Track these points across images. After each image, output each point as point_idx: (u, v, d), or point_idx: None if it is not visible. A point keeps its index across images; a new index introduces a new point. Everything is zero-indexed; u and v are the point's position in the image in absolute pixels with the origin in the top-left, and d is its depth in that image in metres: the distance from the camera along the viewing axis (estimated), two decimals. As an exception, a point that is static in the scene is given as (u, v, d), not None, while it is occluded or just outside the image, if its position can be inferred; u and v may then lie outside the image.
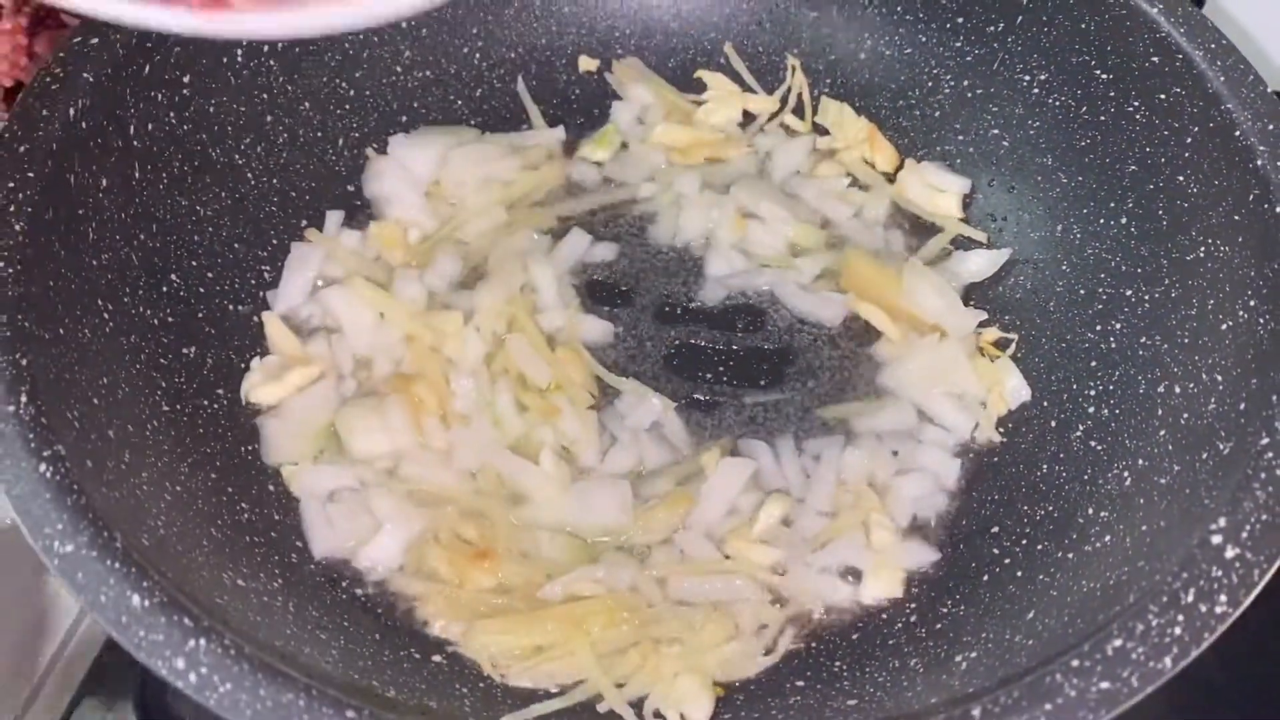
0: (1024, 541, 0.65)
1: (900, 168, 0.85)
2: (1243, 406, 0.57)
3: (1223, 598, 0.48)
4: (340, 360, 0.73)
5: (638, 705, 0.59)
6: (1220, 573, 0.49)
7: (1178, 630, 0.48)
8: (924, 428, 0.73)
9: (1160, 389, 0.65)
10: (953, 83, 0.83)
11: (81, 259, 0.61)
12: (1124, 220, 0.73)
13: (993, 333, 0.77)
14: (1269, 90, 0.66)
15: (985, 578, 0.64)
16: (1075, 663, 0.47)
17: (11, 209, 0.57)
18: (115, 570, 0.47)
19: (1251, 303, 0.61)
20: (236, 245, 0.74)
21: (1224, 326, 0.63)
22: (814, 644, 0.64)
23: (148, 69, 0.67)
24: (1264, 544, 0.50)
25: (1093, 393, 0.70)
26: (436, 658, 0.61)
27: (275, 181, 0.77)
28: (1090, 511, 0.63)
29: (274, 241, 0.77)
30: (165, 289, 0.68)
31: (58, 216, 0.60)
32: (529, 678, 0.60)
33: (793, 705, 0.59)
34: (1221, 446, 0.57)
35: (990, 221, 0.82)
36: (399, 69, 0.84)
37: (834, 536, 0.67)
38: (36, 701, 0.69)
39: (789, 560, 0.66)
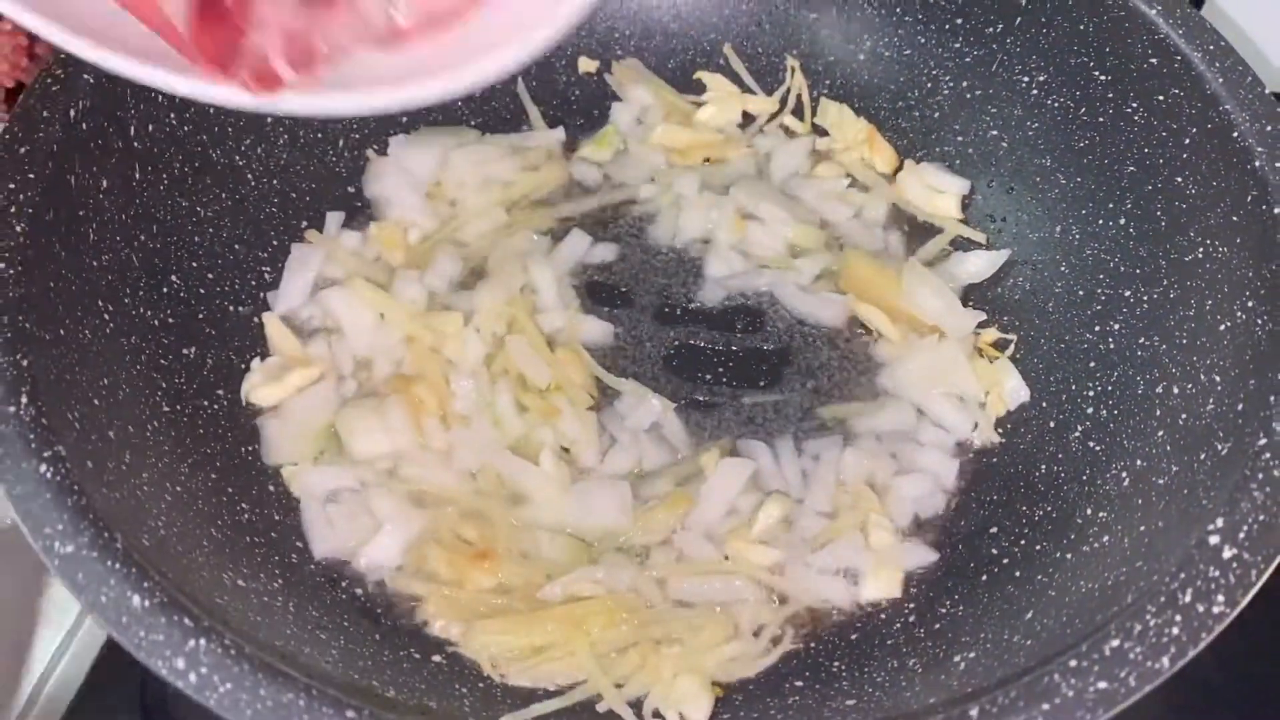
0: (1022, 542, 0.65)
1: (899, 169, 0.85)
2: (1240, 407, 0.57)
3: (1220, 598, 0.48)
4: (340, 361, 0.73)
5: (637, 705, 0.59)
6: (1218, 573, 0.49)
7: (1175, 630, 0.48)
8: (923, 428, 0.73)
9: (1158, 390, 0.65)
10: (952, 84, 0.84)
11: (82, 260, 0.61)
12: (1122, 221, 0.73)
13: (992, 333, 0.77)
14: (1267, 91, 0.66)
15: (984, 578, 0.64)
16: (1073, 663, 0.47)
17: (12, 210, 0.57)
18: (115, 571, 0.47)
19: (1250, 303, 0.61)
20: (237, 246, 0.74)
21: (1222, 327, 0.63)
22: (813, 644, 0.64)
23: (148, 70, 0.67)
24: (1261, 544, 0.50)
25: (1091, 393, 0.70)
26: (436, 658, 0.61)
27: (275, 182, 0.77)
28: (1088, 512, 0.63)
29: (274, 242, 0.77)
30: (166, 290, 0.68)
31: (58, 217, 0.60)
32: (528, 678, 0.61)
33: (791, 705, 0.59)
34: (1219, 447, 0.57)
35: (989, 222, 0.82)
36: (399, 70, 0.84)
37: (833, 537, 0.67)
38: (36, 703, 0.69)
39: (788, 561, 0.66)
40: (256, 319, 0.74)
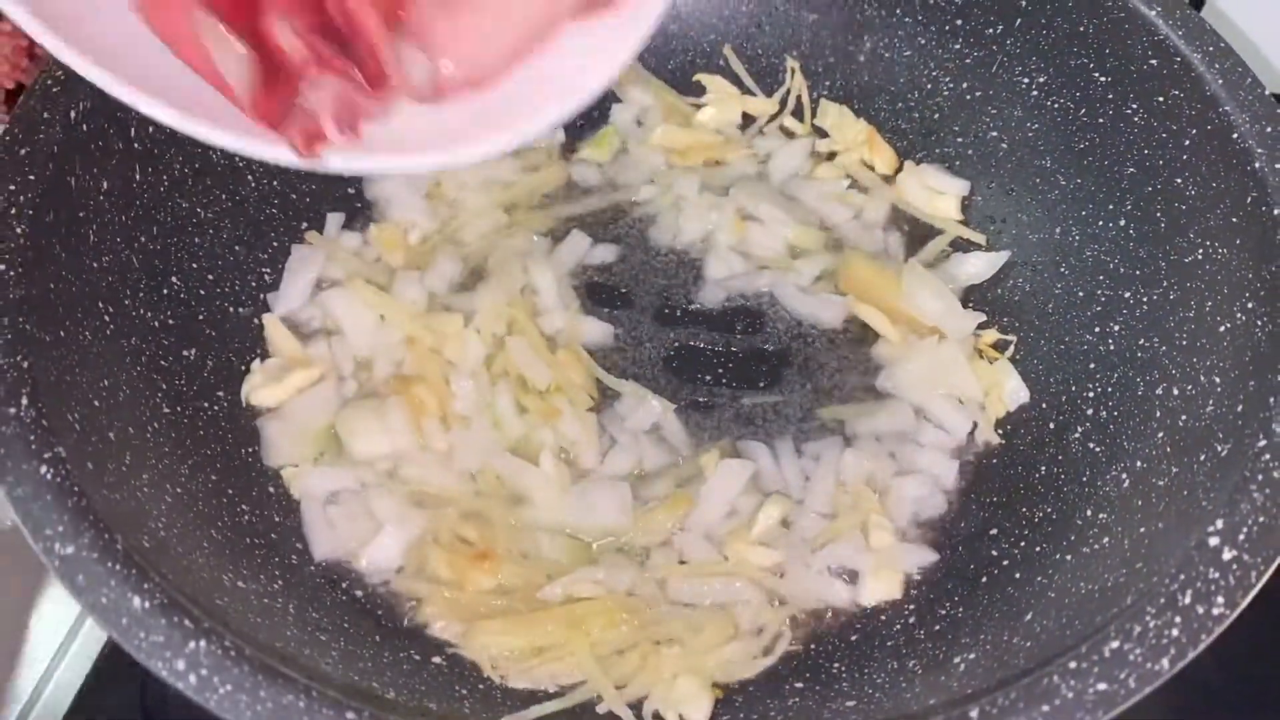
0: (1022, 543, 0.65)
1: (899, 170, 0.85)
2: (1240, 409, 0.57)
3: (1220, 599, 0.48)
4: (340, 362, 0.73)
5: (637, 706, 0.59)
6: (1217, 574, 0.49)
7: (1175, 632, 0.48)
8: (923, 429, 0.73)
9: (1158, 391, 0.65)
10: (952, 85, 0.84)
11: (82, 261, 0.61)
12: (1122, 222, 0.73)
13: (991, 335, 0.77)
14: (1267, 93, 0.66)
15: (984, 579, 0.64)
16: (1073, 664, 0.47)
17: (13, 211, 0.57)
18: (116, 572, 0.47)
19: (1249, 305, 0.61)
20: (237, 247, 0.74)
21: (1222, 329, 0.63)
22: (813, 645, 0.64)
23: (149, 72, 0.67)
24: (1261, 546, 0.50)
25: (1091, 395, 0.70)
26: (436, 659, 0.61)
27: (275, 184, 0.77)
28: (1088, 513, 0.63)
29: (274, 244, 0.77)
30: (166, 291, 0.68)
31: (59, 219, 0.60)
32: (529, 679, 0.61)
33: (791, 706, 0.59)
34: (1219, 448, 0.57)
35: (989, 224, 0.82)
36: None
37: (833, 538, 0.67)
38: (36, 705, 0.69)
39: (788, 562, 0.66)
40: (257, 320, 0.74)
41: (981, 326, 0.77)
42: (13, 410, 0.51)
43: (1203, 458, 0.58)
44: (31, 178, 0.59)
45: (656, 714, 0.59)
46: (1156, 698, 0.46)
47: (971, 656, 0.57)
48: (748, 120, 0.89)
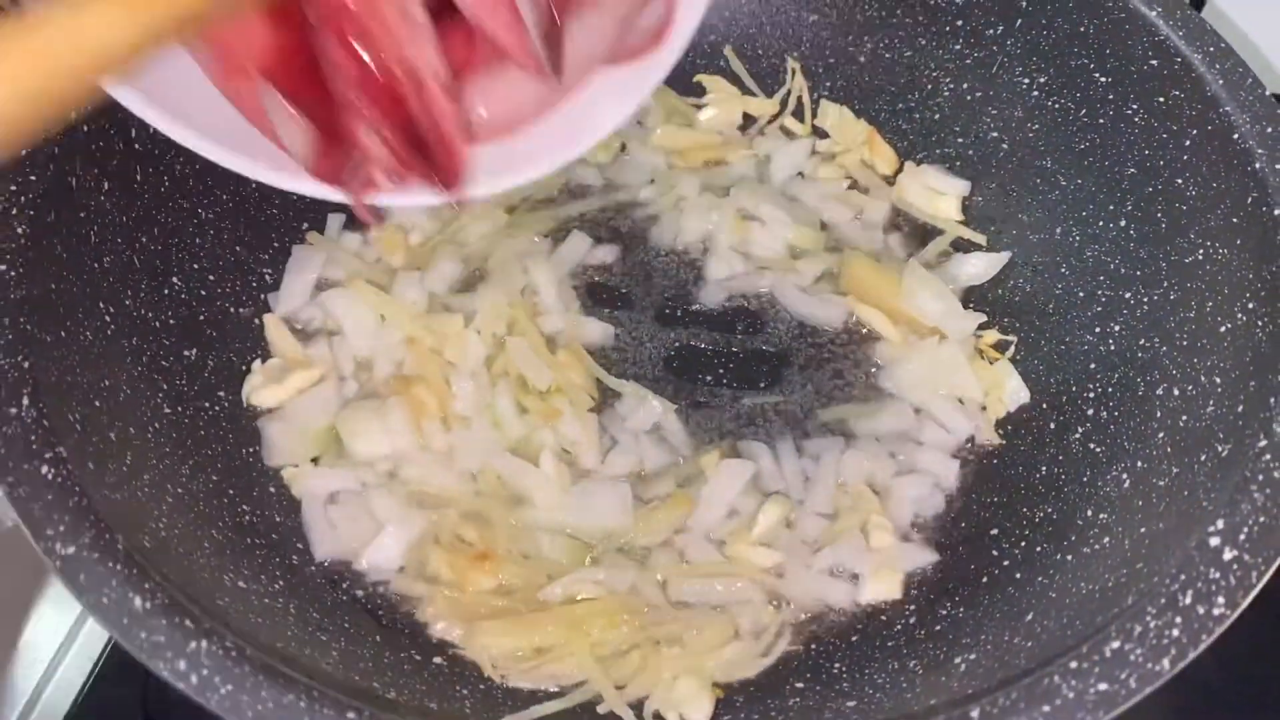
0: (1023, 543, 0.65)
1: (900, 170, 0.86)
2: (1241, 409, 0.57)
3: (1220, 600, 0.48)
4: (341, 362, 0.73)
5: (638, 706, 0.59)
6: (1218, 575, 0.49)
7: (1176, 632, 0.48)
8: (923, 430, 0.73)
9: (1159, 391, 0.65)
10: (952, 85, 0.84)
11: (83, 261, 0.61)
12: (1123, 223, 0.73)
13: (992, 335, 0.77)
14: (1267, 93, 0.66)
15: (984, 579, 0.64)
16: (1074, 664, 0.47)
17: (14, 212, 0.57)
18: (117, 572, 0.47)
19: (1250, 305, 0.61)
20: (238, 248, 0.74)
21: (1222, 329, 0.63)
22: (813, 645, 0.64)
23: (149, 72, 0.67)
24: (1262, 546, 0.50)
25: (1092, 395, 0.70)
26: (437, 659, 0.61)
27: (276, 184, 0.77)
28: (1089, 513, 0.63)
29: (275, 244, 0.77)
30: (167, 291, 0.68)
31: (60, 219, 0.60)
32: (529, 679, 0.61)
33: (792, 706, 0.59)
34: (1220, 449, 0.57)
35: (989, 224, 0.82)
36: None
37: (833, 538, 0.67)
38: (36, 705, 0.69)
39: (789, 562, 0.66)
40: (257, 320, 0.74)
41: (982, 327, 0.77)
42: (14, 410, 0.51)
43: (1203, 458, 0.58)
44: (32, 178, 0.59)
45: (657, 714, 0.59)
46: (1157, 698, 0.46)
47: (972, 657, 0.57)
48: (748, 121, 0.89)
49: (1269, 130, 0.64)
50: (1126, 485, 0.63)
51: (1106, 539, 0.60)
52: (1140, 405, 0.66)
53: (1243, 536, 0.50)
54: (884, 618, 0.65)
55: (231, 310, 0.73)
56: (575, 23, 0.49)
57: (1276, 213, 0.61)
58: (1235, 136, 0.65)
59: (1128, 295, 0.71)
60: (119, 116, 0.65)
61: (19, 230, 0.57)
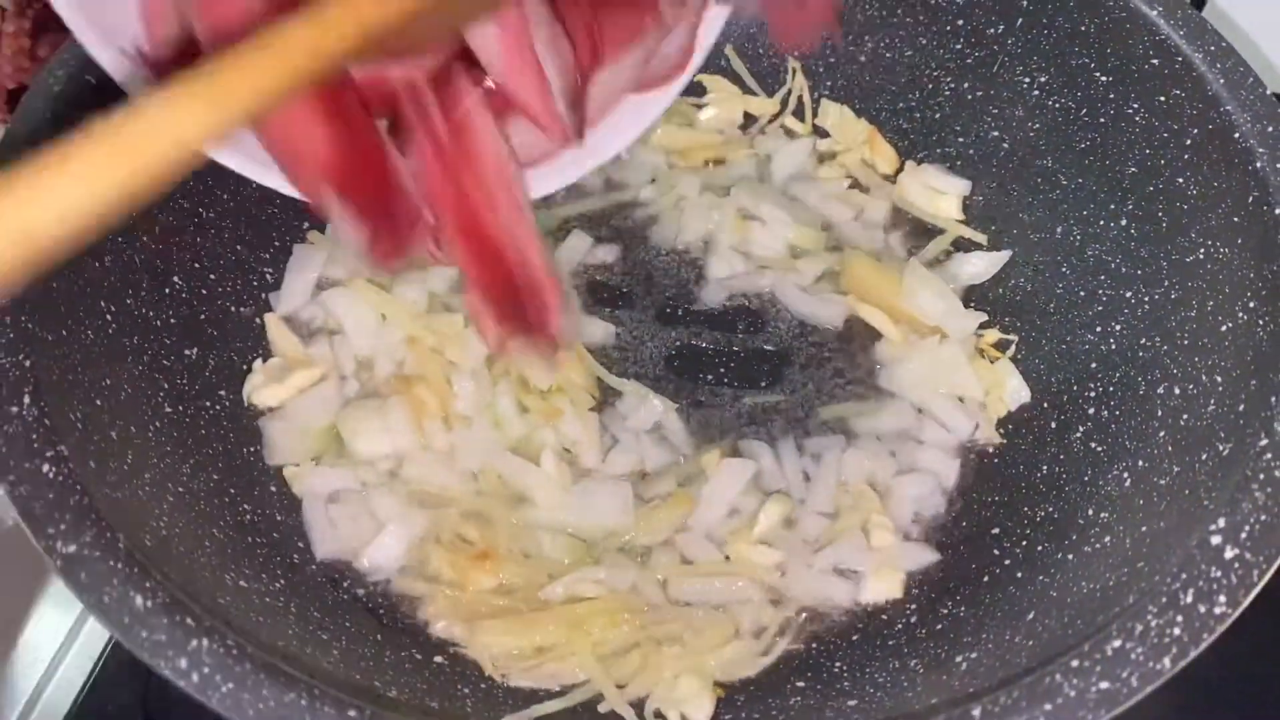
0: (1024, 542, 0.65)
1: (900, 170, 0.86)
2: (1242, 408, 0.57)
3: (1222, 598, 0.48)
4: (342, 362, 0.73)
5: (638, 706, 0.59)
6: (1219, 573, 0.49)
7: (1177, 631, 0.48)
8: (924, 429, 0.73)
9: (1160, 390, 0.65)
10: (953, 85, 0.84)
11: (84, 260, 0.61)
12: (1124, 222, 0.73)
13: (993, 334, 0.77)
14: (1268, 92, 0.66)
15: (985, 579, 0.64)
16: (1075, 663, 0.47)
17: (15, 211, 0.57)
18: (118, 571, 0.47)
19: (1251, 304, 0.61)
20: (239, 247, 0.74)
21: (1224, 328, 0.63)
22: (814, 644, 0.64)
23: (150, 71, 0.67)
24: (1263, 545, 0.50)
25: (1092, 394, 0.70)
26: (438, 658, 0.61)
27: (277, 183, 0.77)
28: (1090, 512, 0.63)
29: (276, 243, 0.77)
30: (168, 290, 0.68)
31: (61, 218, 0.60)
32: (530, 678, 0.61)
33: (793, 706, 0.59)
34: (1221, 447, 0.57)
35: (990, 223, 0.82)
36: (400, 71, 0.84)
37: (834, 538, 0.67)
38: (37, 705, 0.69)
39: (789, 561, 0.66)
40: (258, 320, 0.74)
41: (983, 326, 0.77)
42: (15, 409, 0.51)
43: (1204, 457, 0.58)
44: (33, 177, 0.59)
45: (658, 713, 0.59)
46: (1159, 696, 0.46)
47: (973, 655, 0.57)
48: (749, 120, 0.89)
49: (1270, 129, 0.64)
50: (1128, 484, 0.63)
51: (1108, 538, 0.60)
52: (1141, 404, 0.66)
53: (1244, 535, 0.50)
54: (885, 617, 0.65)
55: (232, 309, 0.73)
56: (602, 73, 0.49)
57: (1277, 212, 0.61)
58: (1236, 136, 0.65)
59: (1128, 294, 0.71)
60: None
61: (20, 229, 0.57)
